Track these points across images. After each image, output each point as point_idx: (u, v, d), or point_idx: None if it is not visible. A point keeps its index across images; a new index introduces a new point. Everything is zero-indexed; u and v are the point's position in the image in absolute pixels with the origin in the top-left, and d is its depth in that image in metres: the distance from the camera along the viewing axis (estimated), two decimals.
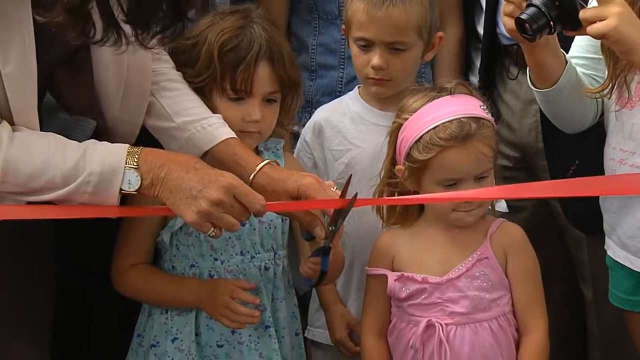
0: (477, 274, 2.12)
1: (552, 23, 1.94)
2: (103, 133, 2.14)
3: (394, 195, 2.22)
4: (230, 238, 2.20)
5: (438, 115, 2.10)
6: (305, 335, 2.39)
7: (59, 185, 1.84)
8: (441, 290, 2.15)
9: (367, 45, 2.28)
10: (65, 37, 1.78)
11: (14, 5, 1.86)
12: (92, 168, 1.84)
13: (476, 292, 2.13)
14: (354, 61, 2.36)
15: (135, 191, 1.85)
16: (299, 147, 2.46)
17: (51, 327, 2.17)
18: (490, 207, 2.25)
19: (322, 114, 2.47)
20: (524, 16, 1.93)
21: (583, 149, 2.32)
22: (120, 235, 2.22)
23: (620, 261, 2.16)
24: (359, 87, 2.43)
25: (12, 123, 1.93)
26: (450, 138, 2.06)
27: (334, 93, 2.60)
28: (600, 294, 2.43)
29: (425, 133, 2.08)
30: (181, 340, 2.17)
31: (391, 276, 2.17)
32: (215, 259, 2.21)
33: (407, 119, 2.15)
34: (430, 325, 2.15)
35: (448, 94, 2.15)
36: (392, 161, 2.21)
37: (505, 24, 2.00)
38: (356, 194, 2.05)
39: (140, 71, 2.14)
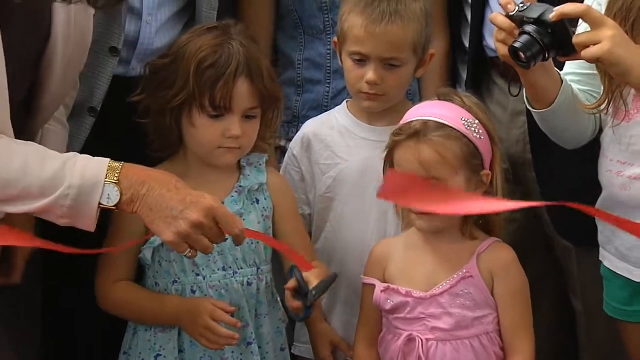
0: (461, 292, 2.07)
1: (545, 50, 1.92)
2: (32, 108, 2.06)
3: None
4: (212, 254, 2.13)
5: (414, 112, 2.10)
6: (292, 351, 2.35)
7: (36, 196, 1.78)
8: (424, 305, 2.11)
9: (362, 60, 2.25)
10: None
11: None
12: (71, 181, 1.78)
13: (459, 310, 2.09)
14: (347, 75, 2.31)
15: (114, 206, 1.80)
16: (286, 161, 2.41)
17: (39, 343, 2.16)
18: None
19: (310, 127, 2.42)
20: (517, 45, 1.91)
21: (572, 160, 2.28)
22: (101, 254, 2.16)
23: (619, 272, 2.13)
24: (347, 101, 2.39)
25: None
26: (400, 133, 2.06)
27: (320, 107, 2.56)
28: (590, 305, 2.40)
29: (401, 125, 2.11)
30: (165, 357, 2.13)
31: (378, 287, 2.14)
32: (198, 275, 2.16)
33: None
34: (411, 340, 2.12)
35: (444, 99, 2.13)
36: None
37: (498, 50, 1.99)
38: (336, 274, 2.08)
39: (82, 42, 2.05)
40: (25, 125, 2.06)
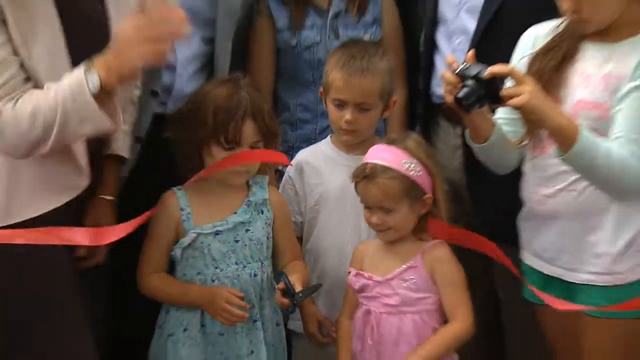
0: (407, 278, 2.24)
1: (481, 99, 2.04)
2: None
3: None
4: (227, 252, 2.30)
5: (369, 154, 2.26)
6: (288, 326, 2.48)
7: (52, 118, 1.85)
8: (380, 287, 2.27)
9: (341, 105, 2.38)
10: None
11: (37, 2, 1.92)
12: (64, 89, 1.85)
13: (404, 291, 2.25)
14: (330, 116, 2.45)
15: (100, 87, 1.81)
16: (284, 181, 2.55)
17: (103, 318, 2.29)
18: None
19: (302, 156, 2.55)
20: (459, 95, 2.02)
21: (500, 182, 2.37)
22: (142, 250, 2.31)
23: (535, 267, 2.26)
24: (330, 136, 2.53)
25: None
26: (357, 175, 2.23)
27: (310, 140, 2.69)
28: (512, 293, 2.44)
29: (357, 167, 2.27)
30: (190, 330, 2.28)
31: (352, 272, 2.31)
32: (216, 268, 2.29)
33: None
34: (368, 312, 2.28)
35: (389, 144, 2.27)
36: None
37: (446, 98, 2.10)
38: (320, 284, 2.31)
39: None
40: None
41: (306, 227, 2.55)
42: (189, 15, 2.33)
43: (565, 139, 1.97)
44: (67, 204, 2.03)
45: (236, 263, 2.32)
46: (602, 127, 2.02)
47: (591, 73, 2.09)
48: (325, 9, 2.74)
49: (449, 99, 2.05)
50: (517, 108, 1.99)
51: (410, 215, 2.23)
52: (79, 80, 1.82)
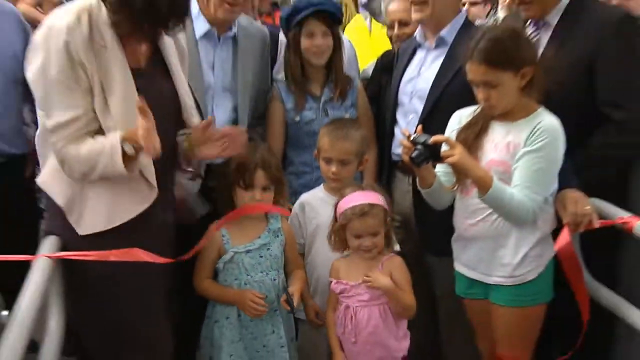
0: None
1: (427, 159, 2.18)
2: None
3: (339, 236, 2.45)
4: (255, 264, 2.48)
5: (352, 201, 2.42)
6: (295, 315, 2.61)
7: (95, 164, 1.96)
8: (355, 289, 2.45)
9: (329, 161, 2.61)
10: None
11: (114, 60, 2.01)
12: (106, 145, 1.97)
13: (371, 290, 2.42)
14: (322, 169, 2.65)
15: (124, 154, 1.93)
16: (291, 216, 2.71)
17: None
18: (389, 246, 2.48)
19: (303, 198, 2.73)
20: (413, 155, 2.16)
21: (438, 215, 2.49)
22: (197, 264, 2.49)
23: (463, 272, 2.42)
24: (323, 185, 2.71)
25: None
26: (353, 214, 2.37)
27: (309, 187, 2.83)
28: (446, 291, 2.61)
29: (346, 210, 2.42)
30: (231, 318, 2.48)
31: (333, 281, 2.49)
32: (247, 275, 2.49)
33: (341, 199, 2.46)
34: (347, 306, 2.45)
35: (360, 189, 2.46)
36: (335, 219, 2.48)
37: (403, 157, 2.24)
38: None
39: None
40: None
41: (306, 248, 2.70)
42: (224, 88, 2.64)
43: (483, 186, 2.14)
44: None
45: (261, 272, 2.50)
46: (506, 178, 2.19)
47: (498, 142, 2.25)
48: (319, 96, 2.92)
49: (405, 158, 2.20)
50: (451, 164, 2.18)
51: (383, 235, 2.42)
52: (114, 146, 1.95)
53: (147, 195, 2.11)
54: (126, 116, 1.97)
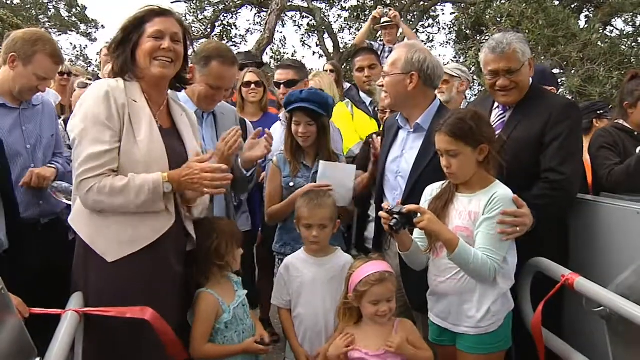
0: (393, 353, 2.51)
1: (404, 225, 2.36)
2: None
3: (349, 310, 2.58)
4: (243, 313, 2.64)
5: (369, 270, 2.55)
6: (286, 359, 2.81)
7: (133, 198, 2.18)
8: (375, 358, 2.54)
9: (309, 227, 2.82)
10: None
11: (143, 112, 2.29)
12: (147, 182, 2.19)
13: (393, 356, 2.54)
14: (303, 234, 2.87)
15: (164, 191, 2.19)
16: (277, 277, 2.94)
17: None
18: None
19: (288, 260, 2.94)
20: (391, 223, 2.35)
21: (417, 273, 2.65)
22: (193, 333, 2.60)
23: (436, 322, 2.59)
24: (304, 248, 2.93)
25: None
26: (375, 280, 2.50)
27: (296, 240, 3.08)
28: (425, 340, 2.69)
29: (364, 278, 2.53)
30: None
31: (351, 349, 2.59)
32: (243, 324, 2.67)
33: (353, 272, 2.58)
34: None
35: (371, 260, 2.59)
36: (346, 292, 2.60)
37: (384, 226, 2.41)
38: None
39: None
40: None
41: (293, 303, 2.90)
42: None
43: (450, 245, 2.34)
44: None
45: (247, 317, 2.71)
46: (470, 242, 2.40)
47: (462, 211, 2.46)
48: (310, 166, 3.22)
49: (385, 227, 2.41)
50: (422, 228, 2.38)
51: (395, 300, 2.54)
52: (157, 182, 2.21)
53: (166, 221, 2.33)
54: (148, 156, 2.24)
